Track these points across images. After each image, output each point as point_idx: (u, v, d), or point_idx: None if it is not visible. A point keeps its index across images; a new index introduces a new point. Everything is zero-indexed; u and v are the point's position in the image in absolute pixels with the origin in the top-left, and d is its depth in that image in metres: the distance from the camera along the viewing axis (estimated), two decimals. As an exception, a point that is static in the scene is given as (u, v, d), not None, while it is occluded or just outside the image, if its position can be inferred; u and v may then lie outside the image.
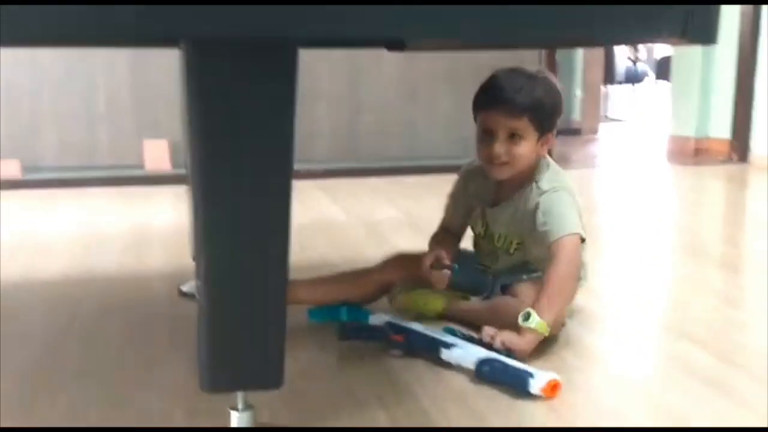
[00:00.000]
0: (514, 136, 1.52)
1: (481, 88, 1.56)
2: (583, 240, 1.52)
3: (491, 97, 1.53)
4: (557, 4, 0.81)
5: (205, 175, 0.95)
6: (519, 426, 1.20)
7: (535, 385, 1.26)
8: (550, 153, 1.63)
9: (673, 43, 0.85)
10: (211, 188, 0.96)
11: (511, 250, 1.63)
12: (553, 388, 1.27)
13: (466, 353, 1.38)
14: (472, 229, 1.71)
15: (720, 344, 1.56)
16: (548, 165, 1.60)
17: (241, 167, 0.96)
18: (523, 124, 1.51)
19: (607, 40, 0.95)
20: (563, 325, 1.54)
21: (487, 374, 1.33)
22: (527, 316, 1.40)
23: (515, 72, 1.55)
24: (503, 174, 1.57)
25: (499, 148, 1.52)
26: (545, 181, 1.56)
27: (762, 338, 1.59)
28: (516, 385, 1.29)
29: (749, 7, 4.09)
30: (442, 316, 1.62)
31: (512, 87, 1.51)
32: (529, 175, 1.58)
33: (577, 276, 1.50)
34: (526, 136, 1.52)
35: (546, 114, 1.54)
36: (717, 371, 1.41)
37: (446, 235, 1.71)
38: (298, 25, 0.81)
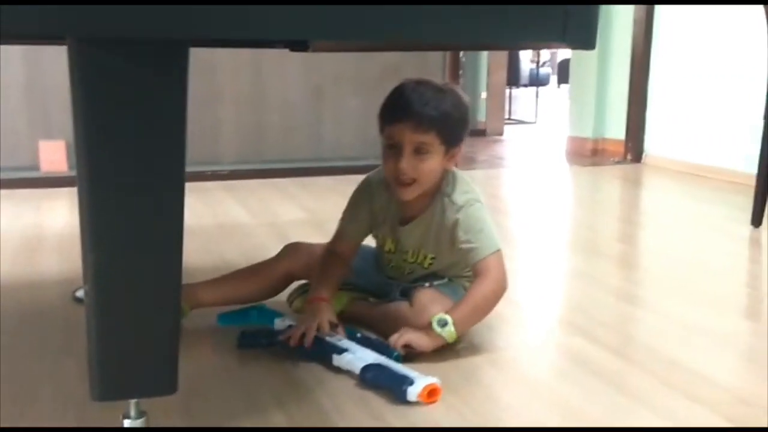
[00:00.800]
0: (420, 151, 1.48)
1: (387, 100, 1.51)
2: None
3: (398, 110, 1.48)
4: (439, 4, 0.82)
5: (91, 176, 0.93)
6: (416, 426, 1.22)
7: (413, 392, 1.26)
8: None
9: (555, 48, 0.88)
10: (98, 189, 0.93)
11: (426, 264, 1.62)
12: (431, 393, 1.27)
13: (354, 358, 1.38)
14: (380, 245, 1.67)
15: (615, 340, 1.62)
16: (455, 176, 1.57)
17: (129, 168, 0.93)
18: (430, 138, 1.47)
19: (490, 43, 0.97)
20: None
21: (370, 380, 1.33)
22: (443, 324, 1.42)
23: (423, 84, 1.50)
24: (410, 195, 1.52)
25: (406, 163, 1.47)
26: (458, 193, 1.54)
27: (655, 333, 1.66)
28: (395, 392, 1.29)
29: (642, 11, 4.27)
30: (339, 318, 1.62)
31: (420, 100, 1.46)
32: (436, 188, 1.55)
33: (501, 294, 1.50)
34: (433, 151, 1.48)
35: (454, 128, 1.51)
36: (612, 366, 1.47)
37: (334, 263, 1.61)
38: (187, 26, 0.80)
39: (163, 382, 1.01)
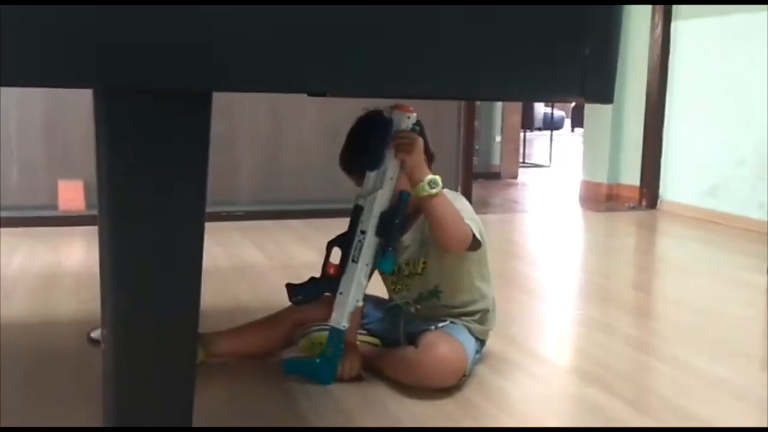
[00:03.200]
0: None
1: (342, 149, 1.61)
2: (479, 245, 1.56)
3: (349, 164, 1.59)
4: (461, 64, 0.84)
5: (114, 220, 0.94)
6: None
7: None
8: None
9: (573, 102, 0.89)
10: (121, 232, 0.95)
11: (419, 269, 1.64)
12: None
13: None
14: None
15: (631, 391, 1.60)
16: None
17: (151, 212, 0.95)
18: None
19: (507, 98, 0.99)
20: (465, 375, 1.56)
21: None
22: (435, 184, 1.46)
23: (368, 121, 1.57)
24: None
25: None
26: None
27: (671, 384, 1.64)
28: None
29: (657, 59, 4.29)
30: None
31: (364, 146, 1.52)
32: None
33: (462, 236, 1.51)
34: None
35: (427, 143, 1.56)
36: (628, 418, 1.45)
37: None
38: (209, 80, 0.81)
39: (179, 421, 1.01)
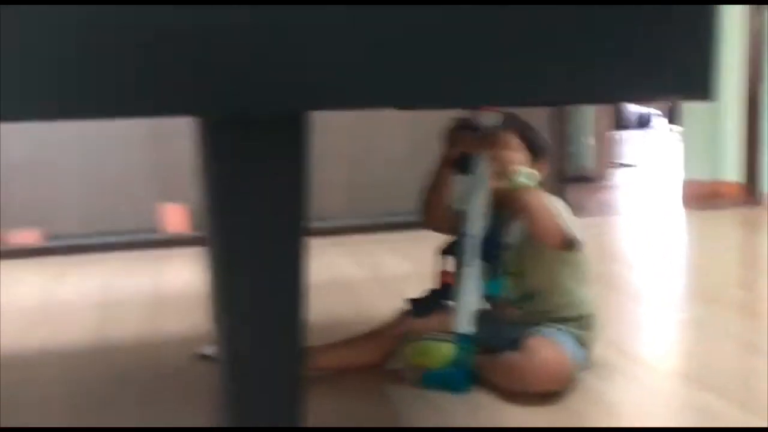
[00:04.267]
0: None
1: None
2: (575, 245, 1.52)
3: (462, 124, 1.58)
4: (558, 66, 0.84)
5: (221, 243, 0.98)
6: None
7: None
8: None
9: (676, 101, 0.87)
10: (228, 254, 0.98)
11: (521, 269, 1.62)
12: None
13: None
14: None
15: (742, 393, 1.54)
16: None
17: (256, 233, 0.98)
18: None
19: (609, 100, 0.98)
20: (570, 381, 1.54)
21: None
22: (527, 175, 1.45)
23: (459, 128, 1.55)
24: None
25: None
26: None
27: (784, 385, 1.57)
28: None
29: (753, 51, 4.13)
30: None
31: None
32: None
33: (558, 233, 1.49)
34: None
35: (534, 139, 1.60)
36: (742, 422, 1.40)
37: None
38: (312, 102, 0.83)
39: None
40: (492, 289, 1.51)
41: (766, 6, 4.07)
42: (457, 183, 1.52)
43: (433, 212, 1.63)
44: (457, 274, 1.50)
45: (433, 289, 1.54)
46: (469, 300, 1.49)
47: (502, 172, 1.46)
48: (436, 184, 1.61)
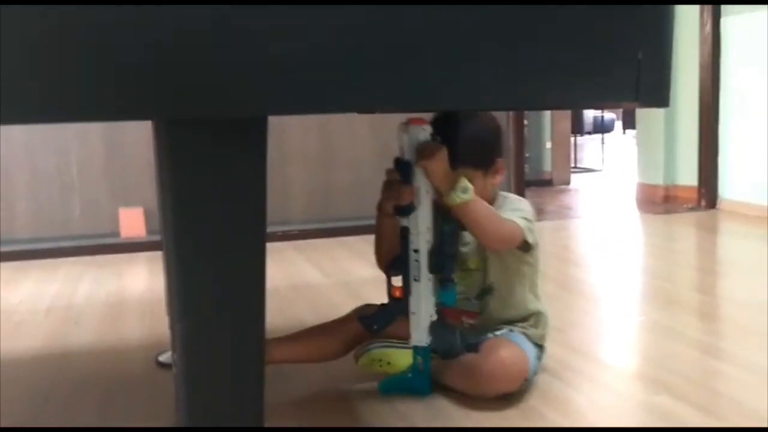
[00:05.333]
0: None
1: None
2: (529, 246, 1.58)
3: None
4: (514, 72, 0.84)
5: (178, 245, 0.97)
6: None
7: None
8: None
9: (629, 107, 0.88)
10: (185, 257, 0.97)
11: (480, 265, 1.65)
12: None
13: None
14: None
15: (701, 397, 1.57)
16: (505, 197, 1.67)
17: (214, 235, 0.97)
18: (462, 172, 1.53)
19: (562, 106, 0.99)
20: (526, 380, 1.55)
21: None
22: (465, 190, 1.46)
23: (450, 120, 1.58)
24: None
25: None
26: (506, 209, 1.62)
27: (742, 388, 1.60)
28: None
29: (707, 56, 4.22)
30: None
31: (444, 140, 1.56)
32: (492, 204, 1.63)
33: (507, 235, 1.54)
34: (471, 178, 1.53)
35: (483, 151, 1.61)
36: (699, 423, 1.42)
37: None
38: (267, 106, 0.83)
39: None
40: (445, 299, 1.54)
41: (719, 8, 4.16)
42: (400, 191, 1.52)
43: (385, 259, 1.64)
44: (406, 290, 1.52)
45: (382, 304, 1.57)
46: (423, 314, 1.51)
47: (439, 186, 1.49)
48: (379, 235, 1.65)
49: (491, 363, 1.50)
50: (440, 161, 1.47)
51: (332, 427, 1.45)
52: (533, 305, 1.66)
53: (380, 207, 1.59)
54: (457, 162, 1.54)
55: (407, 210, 1.50)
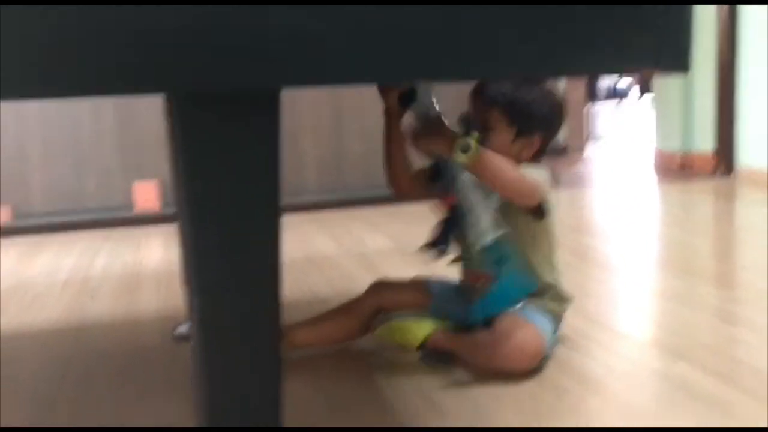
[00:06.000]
0: (486, 128, 1.56)
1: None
2: (543, 213, 1.56)
3: (479, 85, 1.60)
4: (532, 39, 0.82)
5: (194, 220, 0.96)
6: None
7: None
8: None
9: (650, 72, 0.86)
10: (201, 232, 0.97)
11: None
12: None
13: None
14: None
15: (720, 364, 1.56)
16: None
17: (229, 210, 0.97)
18: (495, 115, 1.56)
19: (581, 73, 0.98)
20: (544, 357, 1.54)
21: None
22: (466, 148, 1.43)
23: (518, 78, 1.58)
24: None
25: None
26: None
27: (761, 355, 1.59)
28: None
29: (725, 19, 4.15)
30: (422, 346, 1.63)
31: (498, 85, 1.57)
32: None
33: (522, 187, 1.51)
34: (497, 129, 1.56)
35: (522, 113, 1.57)
36: (718, 392, 1.41)
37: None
38: (284, 77, 0.82)
39: (269, 416, 1.03)
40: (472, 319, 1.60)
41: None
42: (409, 117, 1.54)
43: (398, 177, 1.65)
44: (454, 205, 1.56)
45: (436, 226, 1.61)
46: (481, 214, 1.54)
47: (440, 154, 1.50)
48: (389, 145, 1.63)
49: (508, 346, 1.49)
50: (439, 140, 1.48)
51: (337, 427, 1.46)
52: (550, 276, 1.64)
53: (386, 112, 1.61)
54: (491, 103, 1.56)
55: (410, 96, 1.52)
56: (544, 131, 1.61)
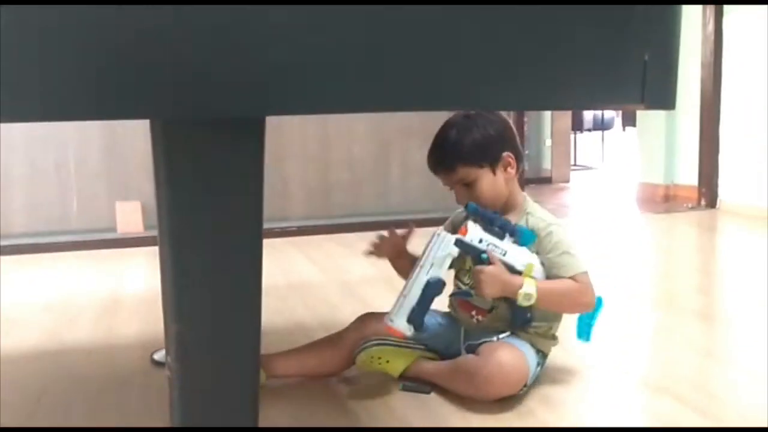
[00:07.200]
0: (466, 184, 1.59)
1: (429, 149, 1.63)
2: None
3: (431, 161, 1.62)
4: (520, 73, 0.83)
5: (174, 245, 0.95)
6: None
7: None
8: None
9: (632, 109, 0.86)
10: (181, 258, 0.96)
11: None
12: None
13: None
14: (461, 281, 1.68)
15: (700, 398, 1.55)
16: (527, 212, 1.63)
17: (210, 236, 0.96)
18: (464, 172, 1.58)
19: (567, 108, 0.98)
20: (525, 385, 1.53)
21: None
22: (529, 298, 1.49)
23: (450, 123, 1.61)
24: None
25: (461, 199, 1.62)
26: (541, 214, 1.63)
27: (742, 391, 1.59)
28: None
29: (710, 55, 4.21)
30: (402, 376, 1.61)
31: (443, 143, 1.59)
32: (513, 203, 1.64)
33: (582, 303, 1.59)
34: (477, 177, 1.58)
35: (480, 150, 1.58)
36: (698, 426, 1.41)
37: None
38: (270, 106, 0.81)
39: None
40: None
41: (722, 7, 4.14)
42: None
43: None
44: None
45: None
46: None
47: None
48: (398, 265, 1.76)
49: (490, 367, 1.48)
50: (490, 285, 1.51)
51: (329, 427, 1.44)
52: (542, 312, 1.63)
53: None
54: (452, 167, 1.58)
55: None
56: (505, 145, 1.62)
